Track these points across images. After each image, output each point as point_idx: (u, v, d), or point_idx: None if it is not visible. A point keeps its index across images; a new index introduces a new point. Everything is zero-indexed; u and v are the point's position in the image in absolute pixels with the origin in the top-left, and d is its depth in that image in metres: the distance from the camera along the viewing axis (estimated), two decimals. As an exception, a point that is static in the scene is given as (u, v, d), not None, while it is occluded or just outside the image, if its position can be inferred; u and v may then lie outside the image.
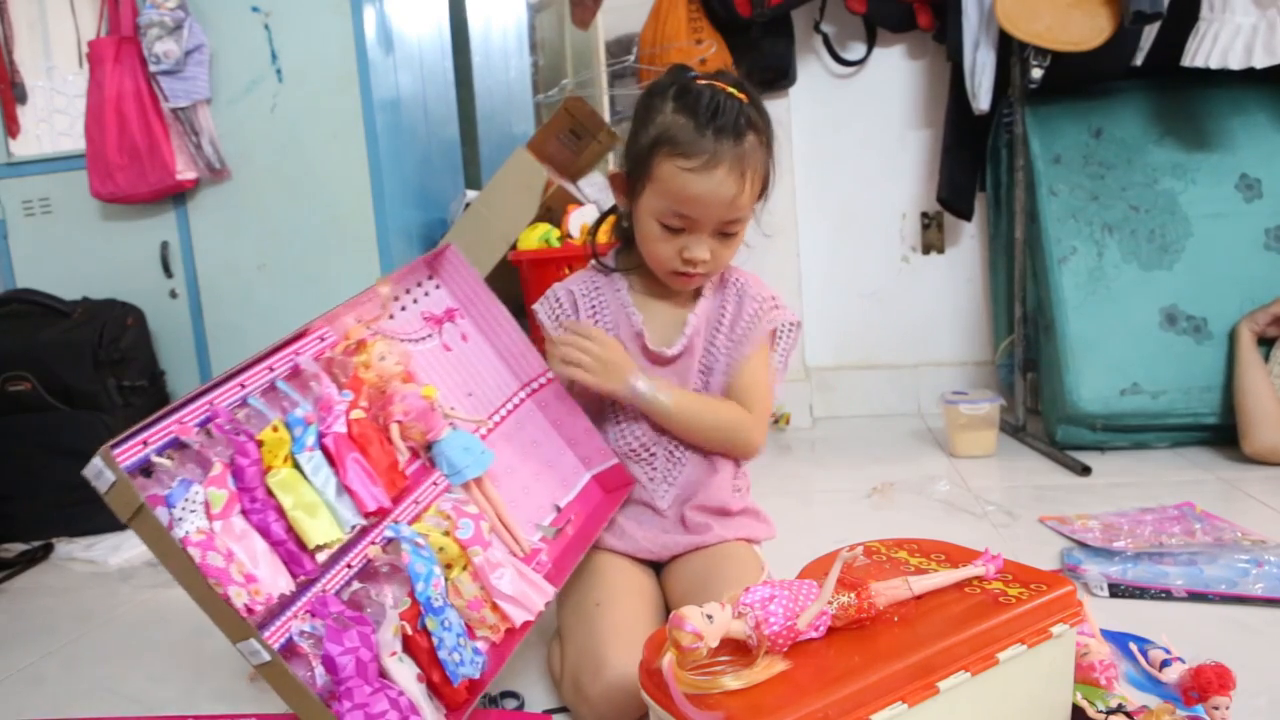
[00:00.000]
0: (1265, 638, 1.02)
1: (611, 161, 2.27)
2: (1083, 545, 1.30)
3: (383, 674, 0.79)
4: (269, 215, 2.05)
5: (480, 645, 0.88)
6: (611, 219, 1.18)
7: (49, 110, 2.27)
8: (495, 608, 0.89)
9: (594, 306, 1.13)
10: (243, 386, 0.84)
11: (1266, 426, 1.65)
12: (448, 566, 0.89)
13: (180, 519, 0.74)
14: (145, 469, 0.76)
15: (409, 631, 0.82)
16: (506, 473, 1.05)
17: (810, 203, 2.35)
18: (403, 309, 1.05)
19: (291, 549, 0.80)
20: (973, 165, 2.20)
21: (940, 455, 1.92)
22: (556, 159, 2.13)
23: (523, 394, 1.12)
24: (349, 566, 0.85)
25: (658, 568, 1.12)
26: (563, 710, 0.97)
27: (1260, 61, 1.66)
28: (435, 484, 0.96)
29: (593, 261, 1.16)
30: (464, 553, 0.89)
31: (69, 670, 1.19)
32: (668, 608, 1.07)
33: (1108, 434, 1.81)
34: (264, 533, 0.79)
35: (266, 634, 0.75)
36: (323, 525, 0.82)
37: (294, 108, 2.00)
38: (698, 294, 1.12)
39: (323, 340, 0.93)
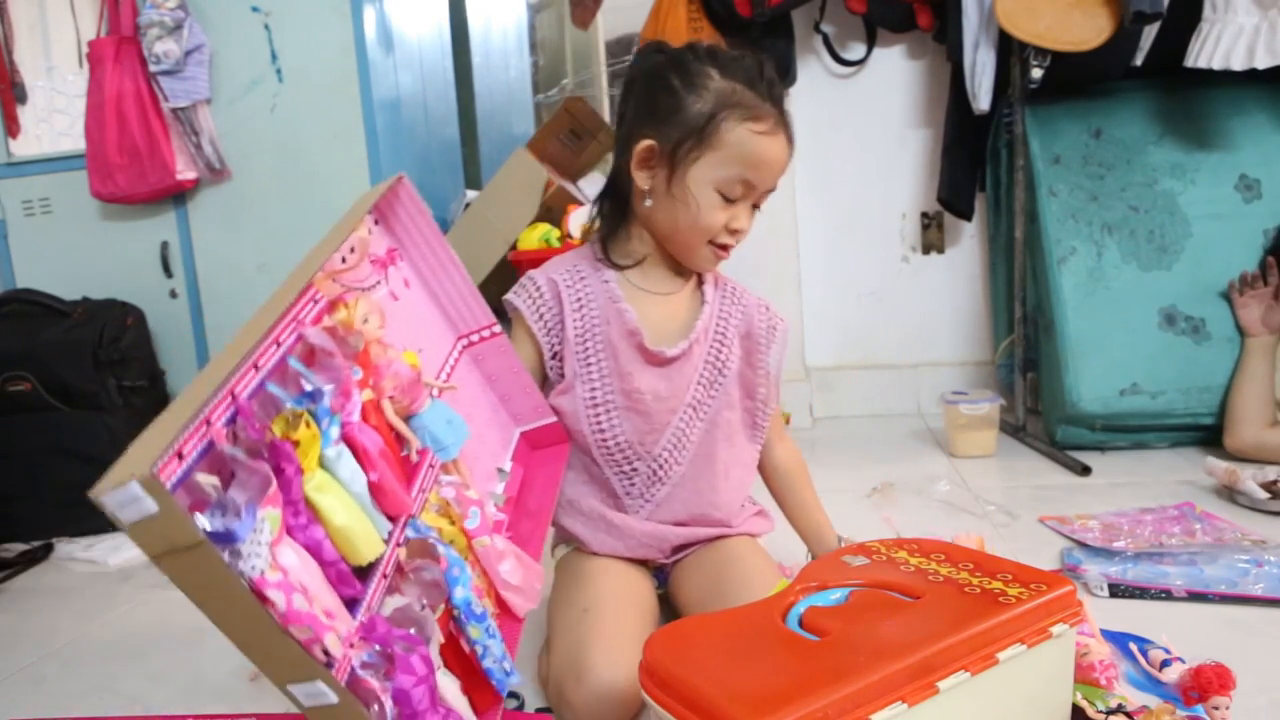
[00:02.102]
0: (1265, 638, 1.02)
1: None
2: (1083, 545, 1.30)
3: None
4: (269, 215, 2.06)
5: None
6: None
7: (49, 110, 2.27)
8: (497, 599, 0.82)
9: (579, 299, 1.06)
10: (256, 368, 0.63)
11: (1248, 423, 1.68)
12: None
13: (247, 555, 0.56)
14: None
15: (441, 640, 0.71)
16: None
17: (810, 203, 2.35)
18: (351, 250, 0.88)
19: (343, 569, 0.65)
20: (972, 165, 2.20)
21: (940, 455, 1.92)
22: (556, 159, 2.13)
23: (459, 347, 0.98)
24: (384, 577, 0.70)
25: (658, 572, 1.11)
26: (562, 710, 0.97)
27: (1262, 62, 1.66)
28: (432, 466, 0.81)
29: (594, 247, 1.09)
30: (470, 545, 0.80)
31: (69, 670, 1.19)
32: (674, 613, 1.07)
33: (1107, 434, 1.81)
34: (316, 553, 0.62)
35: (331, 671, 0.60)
36: (370, 536, 0.67)
37: (294, 108, 2.01)
38: (700, 296, 1.09)
39: (316, 303, 0.74)
